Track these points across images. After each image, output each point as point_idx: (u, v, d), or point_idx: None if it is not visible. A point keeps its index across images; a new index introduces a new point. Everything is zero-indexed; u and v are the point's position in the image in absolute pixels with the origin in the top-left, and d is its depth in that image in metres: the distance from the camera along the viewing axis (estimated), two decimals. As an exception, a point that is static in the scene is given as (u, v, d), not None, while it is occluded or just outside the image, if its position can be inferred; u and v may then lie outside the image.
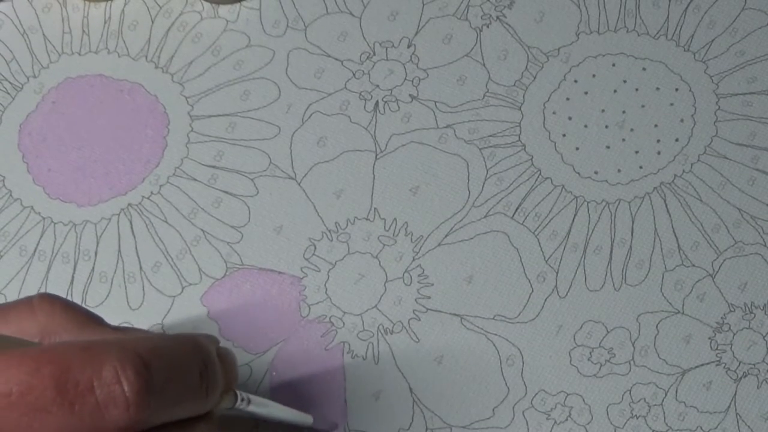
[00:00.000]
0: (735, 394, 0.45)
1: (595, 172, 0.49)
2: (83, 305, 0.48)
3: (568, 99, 0.50)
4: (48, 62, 0.52)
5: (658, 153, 0.49)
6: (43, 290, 0.49)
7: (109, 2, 0.53)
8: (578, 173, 0.49)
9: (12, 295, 0.49)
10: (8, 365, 0.31)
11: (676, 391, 0.46)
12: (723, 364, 0.46)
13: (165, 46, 0.52)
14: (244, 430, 0.46)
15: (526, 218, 0.48)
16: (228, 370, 0.38)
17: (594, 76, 0.50)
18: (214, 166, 0.50)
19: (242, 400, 0.39)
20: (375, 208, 0.49)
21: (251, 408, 0.40)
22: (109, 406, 0.31)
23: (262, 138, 0.51)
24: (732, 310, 0.47)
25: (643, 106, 0.50)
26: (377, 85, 0.51)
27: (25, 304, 0.38)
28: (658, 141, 0.49)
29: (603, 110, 0.50)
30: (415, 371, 0.47)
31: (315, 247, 0.49)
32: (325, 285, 0.48)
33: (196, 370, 0.34)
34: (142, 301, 0.49)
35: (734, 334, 0.46)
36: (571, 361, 0.46)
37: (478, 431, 0.46)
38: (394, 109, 0.50)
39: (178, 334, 0.41)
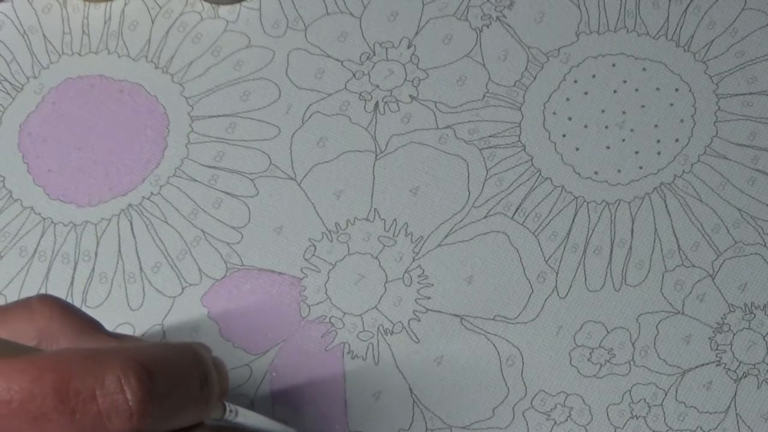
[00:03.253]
0: (735, 394, 0.45)
1: (595, 173, 0.49)
2: (83, 306, 0.48)
3: (568, 99, 0.50)
4: (48, 63, 0.52)
5: (658, 153, 0.49)
6: (43, 291, 0.49)
7: (109, 3, 0.53)
8: (578, 174, 0.49)
9: (12, 296, 0.49)
10: (10, 372, 0.30)
11: (676, 392, 0.46)
12: (723, 365, 0.46)
13: (165, 47, 0.52)
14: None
15: (526, 219, 0.48)
16: (221, 379, 0.38)
17: (594, 76, 0.50)
18: (214, 167, 0.50)
19: (230, 411, 0.39)
20: (375, 209, 0.49)
21: (239, 419, 0.40)
22: (112, 414, 0.31)
23: (262, 138, 0.51)
24: (732, 310, 0.47)
25: (643, 107, 0.50)
26: (377, 86, 0.51)
27: (24, 306, 0.38)
28: (658, 141, 0.49)
29: (603, 110, 0.50)
30: (415, 371, 0.47)
31: (315, 248, 0.49)
32: (325, 285, 0.48)
33: (197, 379, 0.34)
34: (142, 301, 0.49)
35: (734, 335, 0.46)
36: (571, 361, 0.46)
37: (478, 431, 0.46)
38: (394, 109, 0.50)
39: (176, 342, 0.41)
